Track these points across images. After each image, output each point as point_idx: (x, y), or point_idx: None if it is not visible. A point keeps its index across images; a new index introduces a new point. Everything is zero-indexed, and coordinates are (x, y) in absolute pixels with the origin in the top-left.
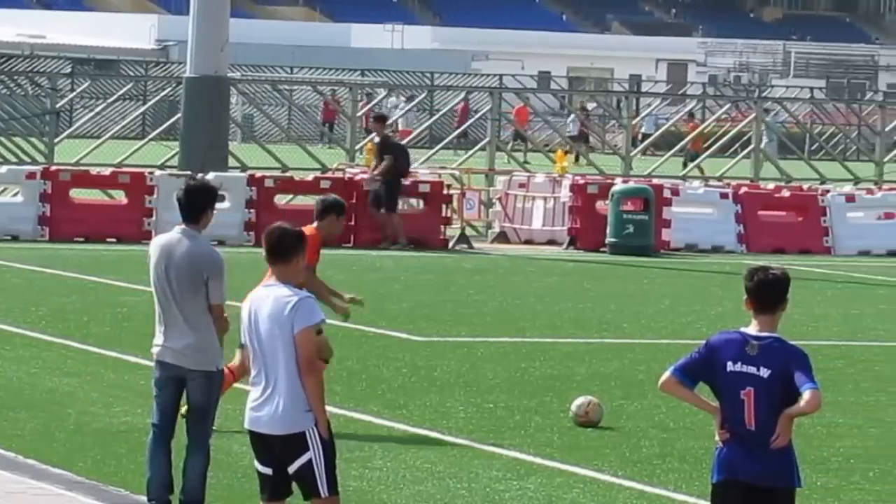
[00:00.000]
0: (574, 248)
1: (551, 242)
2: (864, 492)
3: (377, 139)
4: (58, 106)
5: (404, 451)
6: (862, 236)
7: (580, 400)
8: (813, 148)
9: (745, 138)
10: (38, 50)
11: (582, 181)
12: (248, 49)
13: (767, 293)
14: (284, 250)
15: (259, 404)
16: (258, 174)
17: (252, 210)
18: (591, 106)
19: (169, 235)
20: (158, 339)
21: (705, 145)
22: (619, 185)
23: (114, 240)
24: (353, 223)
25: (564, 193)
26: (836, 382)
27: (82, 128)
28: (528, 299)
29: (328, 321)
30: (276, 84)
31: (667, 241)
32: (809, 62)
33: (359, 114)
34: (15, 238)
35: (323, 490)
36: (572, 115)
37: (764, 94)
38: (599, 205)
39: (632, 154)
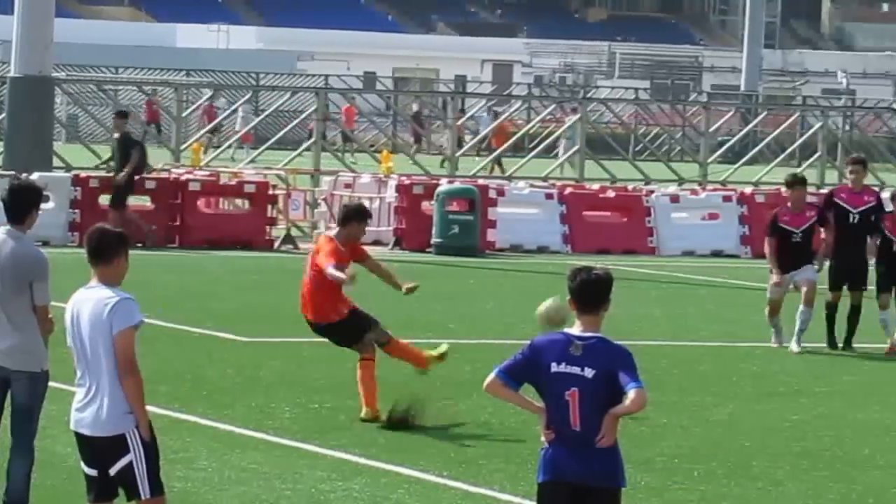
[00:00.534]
0: (400, 248)
1: (377, 243)
2: (687, 491)
3: (117, 135)
4: None
5: (229, 451)
6: (686, 237)
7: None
8: (637, 148)
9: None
10: None
11: (407, 181)
12: (72, 49)
13: (590, 294)
14: (105, 251)
15: (83, 405)
16: (83, 174)
17: (76, 210)
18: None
19: None
20: None
21: (531, 146)
22: (444, 185)
23: None
24: (179, 223)
25: (390, 194)
26: (660, 382)
27: None
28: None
29: None
30: (100, 84)
31: (492, 241)
32: (634, 63)
33: (184, 114)
34: None
35: (144, 492)
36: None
37: (588, 95)
38: (425, 205)
39: (457, 154)
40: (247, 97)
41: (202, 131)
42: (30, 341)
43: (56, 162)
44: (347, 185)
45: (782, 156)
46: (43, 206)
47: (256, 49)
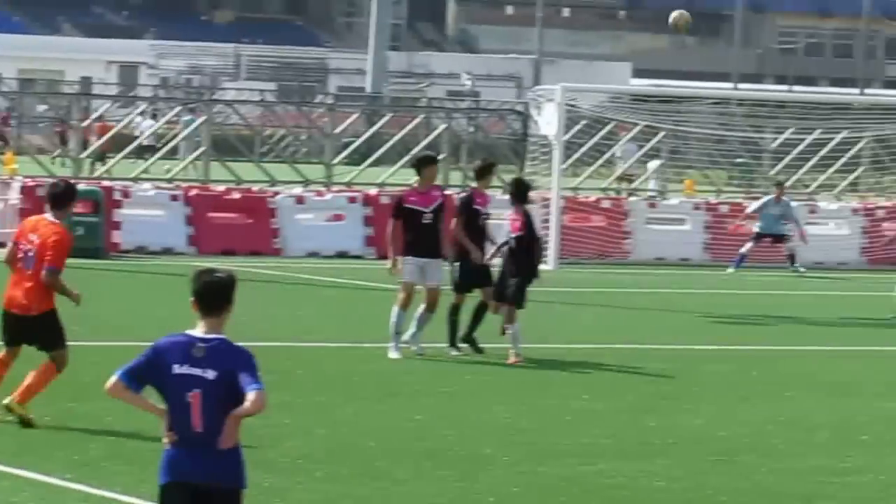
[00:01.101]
0: None
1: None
2: (310, 492)
3: None
4: None
5: None
6: (311, 238)
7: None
8: (263, 150)
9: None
10: None
11: (32, 183)
12: None
13: (213, 295)
14: None
15: None
16: None
17: None
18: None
19: None
20: None
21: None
22: None
23: None
24: None
25: (14, 196)
26: (284, 383)
27: None
28: None
29: None
30: None
31: (117, 243)
32: (261, 65)
33: None
34: None
35: None
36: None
37: (214, 97)
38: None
39: (81, 156)
40: None
41: None
42: None
43: None
44: None
45: (407, 157)
46: None
47: None
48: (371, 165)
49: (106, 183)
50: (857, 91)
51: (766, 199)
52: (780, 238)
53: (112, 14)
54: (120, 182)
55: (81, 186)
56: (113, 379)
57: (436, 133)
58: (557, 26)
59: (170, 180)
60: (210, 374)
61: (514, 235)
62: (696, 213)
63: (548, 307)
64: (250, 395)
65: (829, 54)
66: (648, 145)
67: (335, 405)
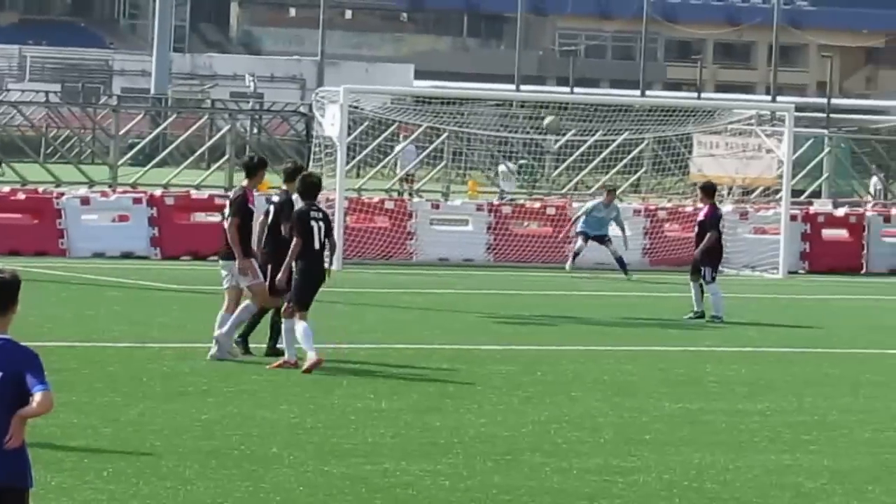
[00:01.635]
0: None
1: None
2: (97, 491)
3: None
4: None
5: None
6: (97, 238)
7: None
8: (48, 151)
9: None
10: None
11: None
12: None
13: None
14: None
15: None
16: None
17: None
18: None
19: None
20: None
21: None
22: None
23: None
24: None
25: None
26: (70, 383)
27: None
28: None
29: None
30: None
31: None
32: (45, 66)
33: None
34: None
35: None
36: None
37: (0, 99)
38: None
39: None
40: None
41: None
42: None
43: None
44: None
45: (192, 158)
46: None
47: None
48: (156, 166)
49: None
50: (638, 93)
51: (594, 202)
52: (601, 239)
53: None
54: None
55: None
56: None
57: (220, 134)
58: (340, 28)
59: None
60: None
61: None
62: (479, 215)
63: (332, 307)
64: (37, 397)
65: (610, 56)
66: (431, 147)
67: (122, 405)
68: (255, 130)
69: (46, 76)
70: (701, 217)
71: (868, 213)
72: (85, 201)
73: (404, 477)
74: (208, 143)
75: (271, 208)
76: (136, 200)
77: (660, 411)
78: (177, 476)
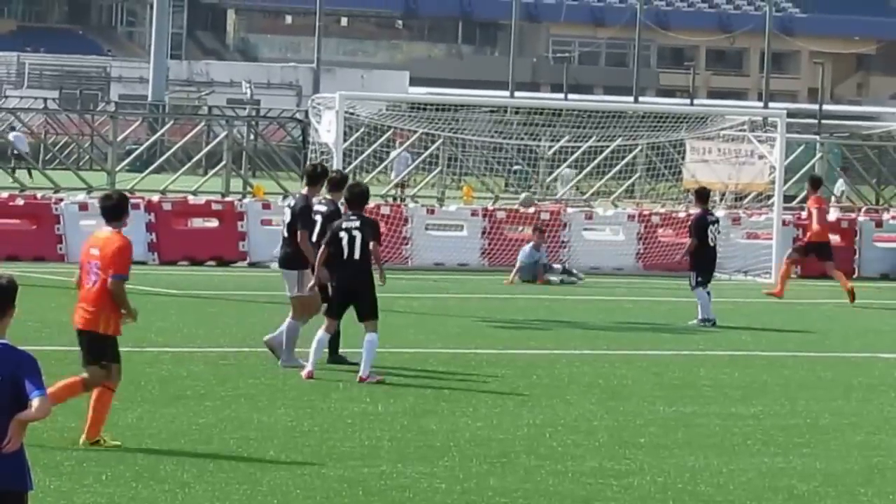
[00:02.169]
0: None
1: None
2: (96, 494)
3: None
4: None
5: None
6: None
7: None
8: (47, 157)
9: None
10: None
11: None
12: None
13: None
14: None
15: None
16: None
17: None
18: None
19: None
20: None
21: None
22: None
23: None
24: None
25: None
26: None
27: None
28: None
29: None
30: None
31: None
32: (43, 73)
33: None
34: None
35: None
36: None
37: None
38: None
39: None
40: None
41: None
42: None
43: None
44: None
45: (189, 164)
46: None
47: None
48: (153, 172)
49: None
50: (631, 99)
51: (523, 249)
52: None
53: None
54: None
55: None
56: None
57: (217, 140)
58: (336, 35)
59: None
60: None
61: None
62: (473, 220)
63: None
64: (35, 402)
65: (604, 63)
66: (426, 153)
67: (120, 409)
68: (252, 137)
69: (45, 83)
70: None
71: (860, 219)
72: (83, 207)
73: (401, 479)
74: (205, 150)
75: (319, 218)
76: (134, 206)
77: (654, 415)
78: (175, 479)
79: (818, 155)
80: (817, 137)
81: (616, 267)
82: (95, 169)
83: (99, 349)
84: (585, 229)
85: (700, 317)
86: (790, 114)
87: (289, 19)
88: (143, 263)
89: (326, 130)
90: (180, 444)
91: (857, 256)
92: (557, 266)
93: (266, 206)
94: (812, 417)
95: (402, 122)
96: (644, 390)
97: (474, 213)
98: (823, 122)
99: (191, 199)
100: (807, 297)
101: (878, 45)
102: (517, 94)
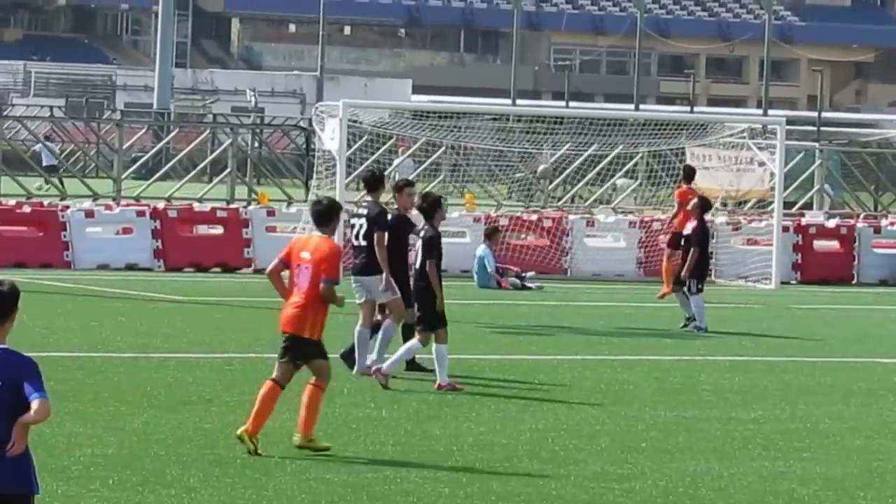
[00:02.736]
0: None
1: None
2: (102, 499)
3: None
4: None
5: None
6: (101, 250)
7: None
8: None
9: None
10: None
11: None
12: None
13: None
14: None
15: None
16: None
17: None
18: None
19: None
20: None
21: None
22: None
23: None
24: None
25: None
26: (75, 393)
27: None
28: None
29: None
30: None
31: None
32: (49, 82)
33: None
34: None
35: None
36: None
37: (5, 113)
38: None
39: None
40: None
41: None
42: None
43: None
44: None
45: (194, 171)
46: None
47: None
48: (159, 180)
49: None
50: (631, 107)
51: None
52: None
53: None
54: None
55: None
56: None
57: (222, 148)
58: (339, 44)
59: None
60: None
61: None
62: (476, 227)
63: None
64: (34, 405)
65: (604, 71)
66: (429, 160)
67: (127, 414)
68: (257, 144)
69: (51, 91)
70: (688, 231)
71: (859, 225)
72: (89, 214)
73: (405, 484)
74: (210, 157)
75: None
76: (140, 213)
77: (655, 419)
78: (181, 484)
79: (817, 161)
80: (816, 144)
81: (618, 273)
82: (101, 176)
83: (302, 352)
84: (587, 236)
85: (697, 323)
86: (789, 121)
87: (292, 28)
88: (149, 270)
89: (330, 138)
90: (186, 449)
91: (856, 262)
92: (514, 269)
93: (271, 212)
94: (812, 422)
95: (404, 130)
96: (645, 395)
97: (477, 220)
98: (822, 129)
99: (196, 206)
100: (806, 302)
101: (877, 53)
102: (519, 101)
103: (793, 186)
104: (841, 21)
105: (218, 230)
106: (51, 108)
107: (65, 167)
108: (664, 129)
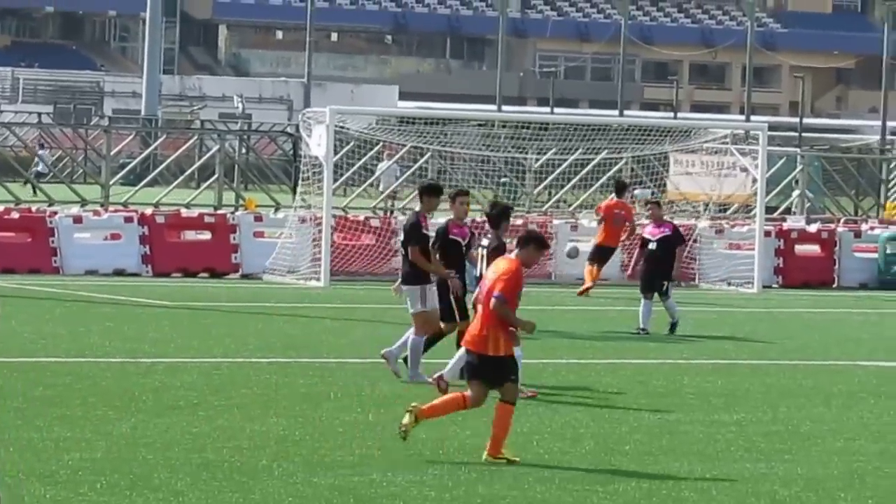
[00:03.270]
0: None
1: None
2: (91, 503)
3: None
4: None
5: None
6: (89, 256)
7: None
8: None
9: None
10: None
11: None
12: None
13: None
14: None
15: None
16: None
17: None
18: None
19: None
20: None
21: None
22: None
23: None
24: None
25: None
26: (63, 398)
27: None
28: None
29: None
30: None
31: None
32: (38, 88)
33: None
34: None
35: None
36: None
37: None
38: None
39: None
40: None
41: None
42: None
43: None
44: None
45: (181, 177)
46: None
47: None
48: (147, 185)
49: None
50: (616, 113)
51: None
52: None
53: None
54: None
55: None
56: None
57: (209, 154)
58: (326, 51)
59: None
60: None
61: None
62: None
63: (320, 322)
64: None
65: (589, 77)
66: (415, 166)
67: (115, 419)
68: (244, 150)
69: (39, 98)
70: (668, 233)
71: (840, 229)
72: (77, 220)
73: (391, 488)
74: (198, 163)
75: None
76: (128, 219)
77: (639, 422)
78: (169, 488)
79: (799, 167)
80: (798, 150)
81: (602, 277)
82: (89, 182)
83: (493, 372)
84: (571, 240)
85: (641, 326)
86: (771, 127)
87: (279, 35)
88: (137, 275)
89: (317, 144)
90: (174, 453)
91: (836, 266)
92: None
93: (258, 218)
94: (793, 424)
95: (391, 136)
96: (629, 398)
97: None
98: (804, 135)
99: (184, 211)
100: (788, 306)
101: (857, 59)
102: (504, 108)
103: (774, 192)
104: (822, 28)
105: (206, 236)
106: (39, 114)
107: (52, 173)
108: (648, 135)
